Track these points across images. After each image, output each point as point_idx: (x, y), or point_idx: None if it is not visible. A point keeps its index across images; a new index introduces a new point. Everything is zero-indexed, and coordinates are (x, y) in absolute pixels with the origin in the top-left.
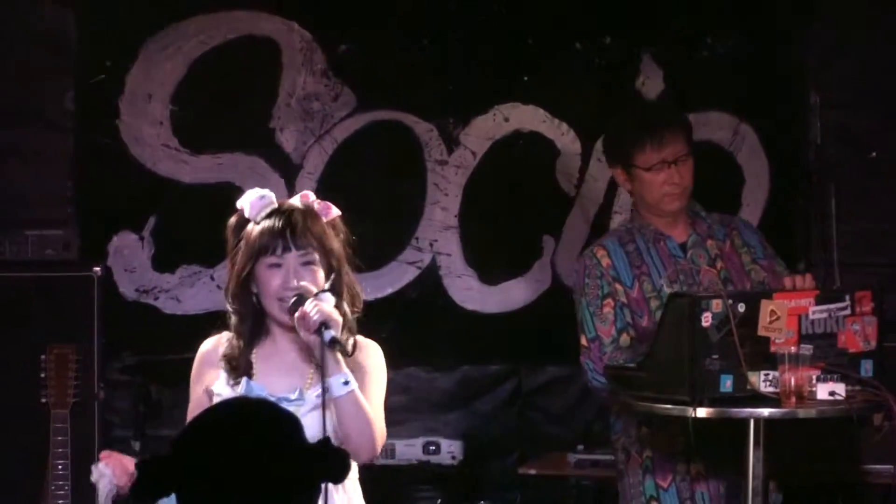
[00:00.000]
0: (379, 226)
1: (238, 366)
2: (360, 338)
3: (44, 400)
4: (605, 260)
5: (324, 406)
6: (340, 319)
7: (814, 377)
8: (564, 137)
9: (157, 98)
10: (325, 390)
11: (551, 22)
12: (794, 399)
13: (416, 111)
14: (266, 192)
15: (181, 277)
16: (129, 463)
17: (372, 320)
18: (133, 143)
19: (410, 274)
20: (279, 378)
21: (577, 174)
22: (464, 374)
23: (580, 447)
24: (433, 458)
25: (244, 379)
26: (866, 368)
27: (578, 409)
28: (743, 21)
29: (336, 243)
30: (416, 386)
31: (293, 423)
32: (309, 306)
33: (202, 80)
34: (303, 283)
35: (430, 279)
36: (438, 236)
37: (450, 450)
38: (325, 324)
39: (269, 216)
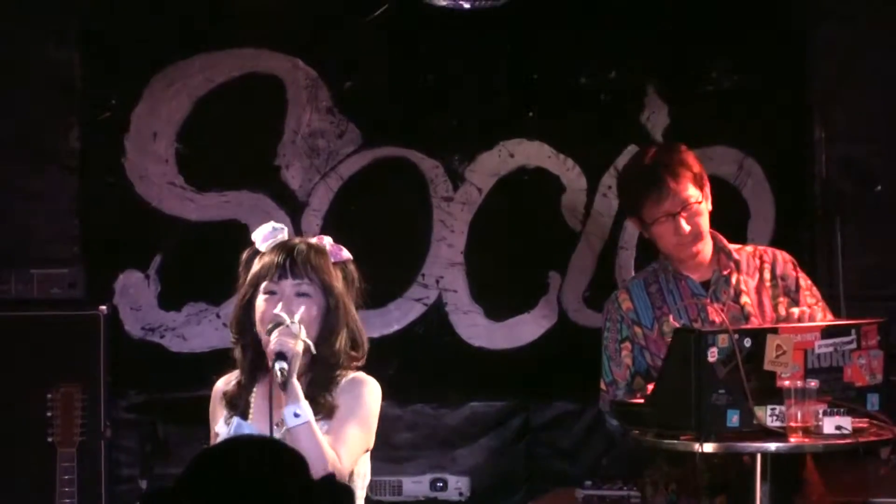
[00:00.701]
0: (385, 263)
1: (237, 404)
2: (359, 374)
3: (50, 439)
4: (627, 303)
5: (271, 429)
6: (299, 353)
7: (820, 411)
8: (570, 173)
9: (163, 136)
10: (272, 419)
11: (556, 57)
12: (800, 433)
13: (421, 148)
14: (280, 225)
15: (187, 315)
16: None
17: (379, 357)
18: (138, 182)
19: (417, 310)
20: (275, 414)
21: (582, 210)
22: (471, 411)
23: (588, 483)
24: (441, 495)
25: (235, 419)
26: (873, 402)
27: (586, 444)
28: (747, 56)
29: (339, 283)
30: (424, 422)
31: (298, 461)
32: (273, 335)
33: (207, 117)
34: (282, 314)
35: (436, 316)
36: (445, 273)
37: (457, 486)
38: (281, 354)
39: (275, 247)
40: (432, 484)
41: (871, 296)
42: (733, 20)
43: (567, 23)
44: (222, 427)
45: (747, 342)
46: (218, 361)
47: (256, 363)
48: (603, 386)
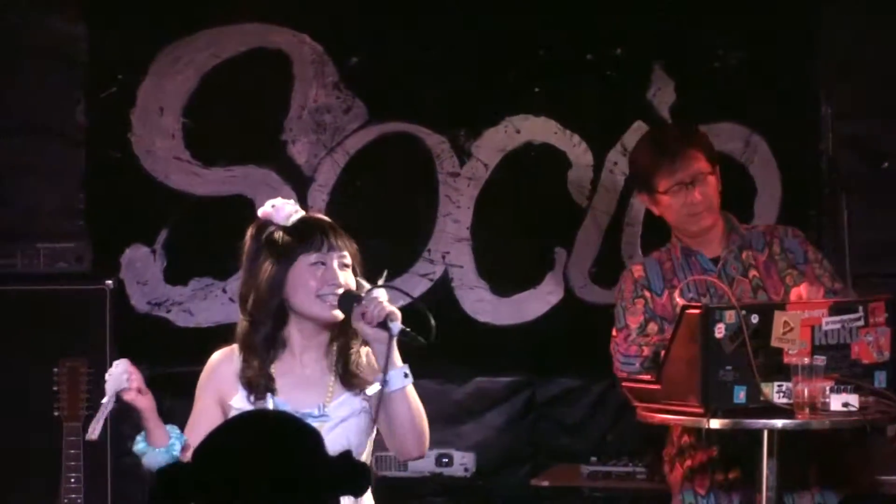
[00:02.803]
0: (391, 238)
1: (259, 384)
2: None
3: (56, 413)
4: (639, 272)
5: (379, 402)
6: (399, 313)
7: (827, 388)
8: (576, 149)
9: (169, 111)
10: (384, 384)
11: (562, 33)
12: (807, 410)
13: (427, 123)
14: (290, 200)
15: (193, 290)
16: (145, 388)
17: None
18: (145, 157)
19: (423, 286)
20: (301, 393)
21: (588, 186)
22: (476, 386)
23: (593, 459)
24: (446, 471)
25: (268, 395)
26: (880, 379)
27: (591, 420)
28: (754, 32)
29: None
30: (429, 398)
31: (314, 436)
32: (367, 303)
33: (214, 92)
34: (350, 282)
35: (442, 291)
36: (451, 248)
37: (462, 462)
38: (389, 316)
39: (300, 221)
40: (437, 459)
41: (878, 272)
42: None
43: None
44: (244, 404)
45: (754, 318)
46: (224, 336)
47: (271, 339)
48: (614, 332)
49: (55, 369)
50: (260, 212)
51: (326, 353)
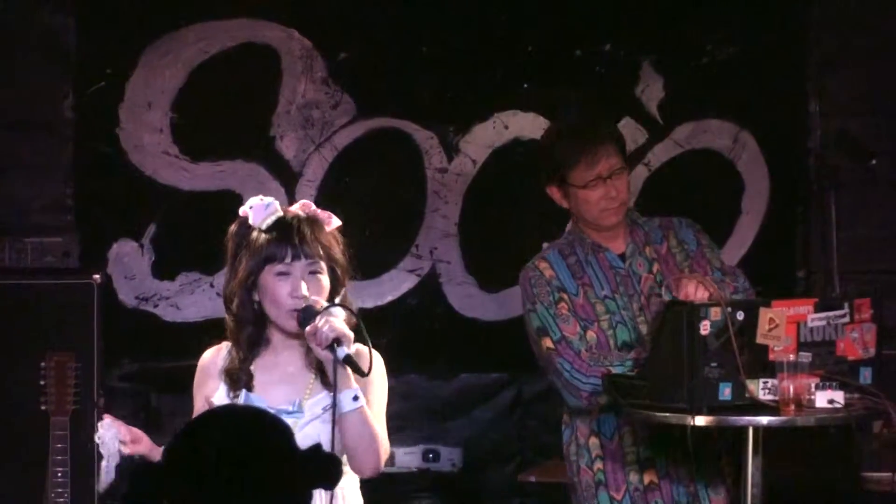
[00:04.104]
0: (379, 233)
1: (238, 378)
2: (361, 347)
3: (43, 407)
4: (549, 271)
5: (333, 423)
6: (352, 335)
7: (813, 385)
8: None
9: (157, 106)
10: (335, 406)
11: (551, 29)
12: (792, 407)
13: (415, 119)
14: (270, 199)
15: (181, 285)
16: (135, 430)
17: (372, 328)
18: (133, 151)
19: (410, 282)
20: (278, 389)
21: None
22: (463, 382)
23: None
24: (433, 466)
25: (243, 391)
26: (865, 376)
27: None
28: (743, 29)
29: (339, 254)
30: (416, 393)
31: (283, 430)
32: (320, 321)
33: (202, 87)
34: (313, 296)
35: (430, 287)
36: (438, 244)
37: (450, 457)
38: (337, 340)
39: (275, 224)
40: (424, 455)
41: (865, 269)
42: None
43: None
44: (224, 400)
45: (740, 315)
46: (211, 331)
47: (255, 338)
48: (550, 344)
49: (42, 364)
50: (241, 210)
51: (308, 350)
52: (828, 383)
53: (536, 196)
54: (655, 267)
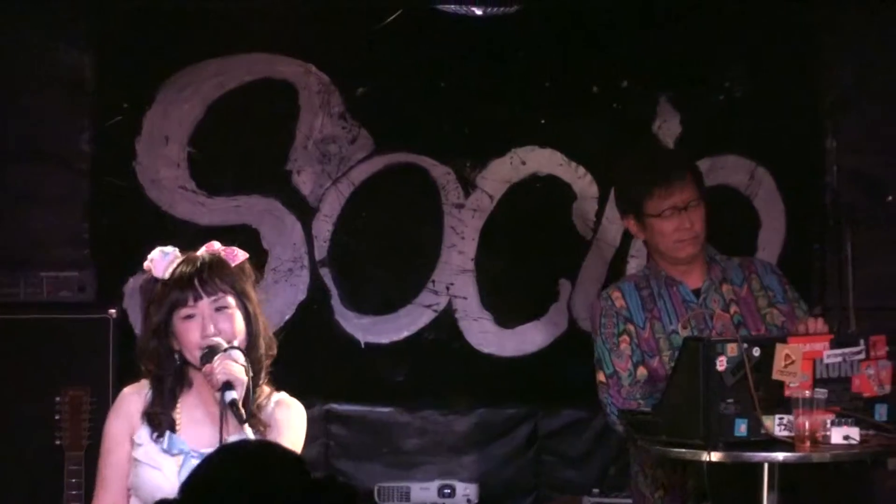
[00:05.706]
0: (395, 269)
1: (161, 422)
2: (284, 396)
3: (58, 442)
4: (620, 301)
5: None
6: (245, 379)
7: (828, 421)
8: (581, 181)
9: (175, 140)
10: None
11: (568, 65)
12: (808, 443)
13: (433, 154)
14: (169, 248)
15: None
16: None
17: (388, 363)
18: (150, 186)
19: (427, 317)
20: (199, 431)
21: (593, 218)
22: (480, 417)
23: (595, 491)
24: (448, 502)
25: (167, 433)
26: (881, 413)
27: (594, 452)
28: (759, 66)
29: (249, 286)
30: (432, 429)
31: (297, 461)
32: (216, 363)
33: (220, 122)
34: (216, 338)
35: (446, 322)
36: (455, 279)
37: (465, 493)
38: (228, 384)
39: (177, 270)
40: (440, 490)
41: (881, 306)
42: (746, 29)
43: (579, 30)
44: (147, 440)
45: (756, 351)
46: None
47: (176, 384)
48: (602, 378)
49: (57, 398)
50: (144, 264)
51: None
52: (843, 420)
53: (553, 232)
54: (733, 309)
